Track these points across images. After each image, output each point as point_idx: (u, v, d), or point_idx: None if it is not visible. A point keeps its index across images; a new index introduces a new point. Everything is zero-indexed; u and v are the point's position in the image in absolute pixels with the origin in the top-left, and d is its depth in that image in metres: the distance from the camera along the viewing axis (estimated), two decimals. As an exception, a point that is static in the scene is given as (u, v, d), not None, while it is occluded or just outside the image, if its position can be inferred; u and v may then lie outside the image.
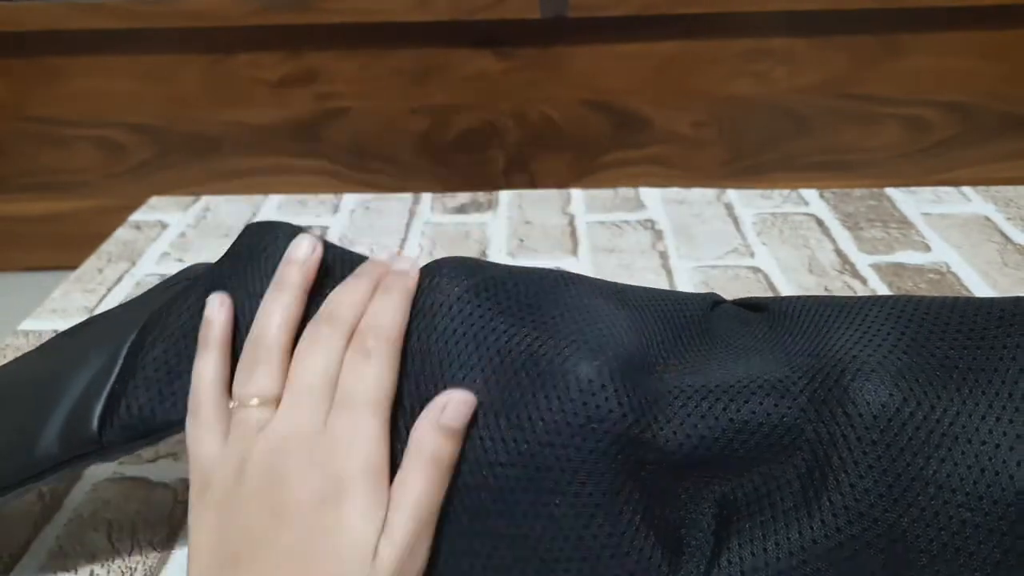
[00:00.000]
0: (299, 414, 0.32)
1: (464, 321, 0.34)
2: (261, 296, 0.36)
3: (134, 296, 0.45)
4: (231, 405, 0.33)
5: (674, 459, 0.31)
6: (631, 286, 0.39)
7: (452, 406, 0.31)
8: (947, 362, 0.31)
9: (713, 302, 0.40)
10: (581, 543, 0.31)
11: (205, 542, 0.31)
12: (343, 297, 0.34)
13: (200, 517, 0.31)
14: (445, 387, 0.33)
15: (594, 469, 0.31)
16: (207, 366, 0.34)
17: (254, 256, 0.38)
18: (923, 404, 0.30)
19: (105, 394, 0.36)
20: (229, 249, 0.39)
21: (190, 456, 0.33)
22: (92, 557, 0.41)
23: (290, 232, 0.38)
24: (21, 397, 0.37)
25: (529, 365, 0.32)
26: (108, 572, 0.40)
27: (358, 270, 0.36)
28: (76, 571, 0.40)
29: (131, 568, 0.40)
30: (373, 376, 0.32)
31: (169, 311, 0.38)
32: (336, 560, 0.29)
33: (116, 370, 0.36)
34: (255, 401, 0.32)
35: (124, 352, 0.37)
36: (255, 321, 0.34)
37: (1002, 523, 0.28)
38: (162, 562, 0.41)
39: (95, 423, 0.35)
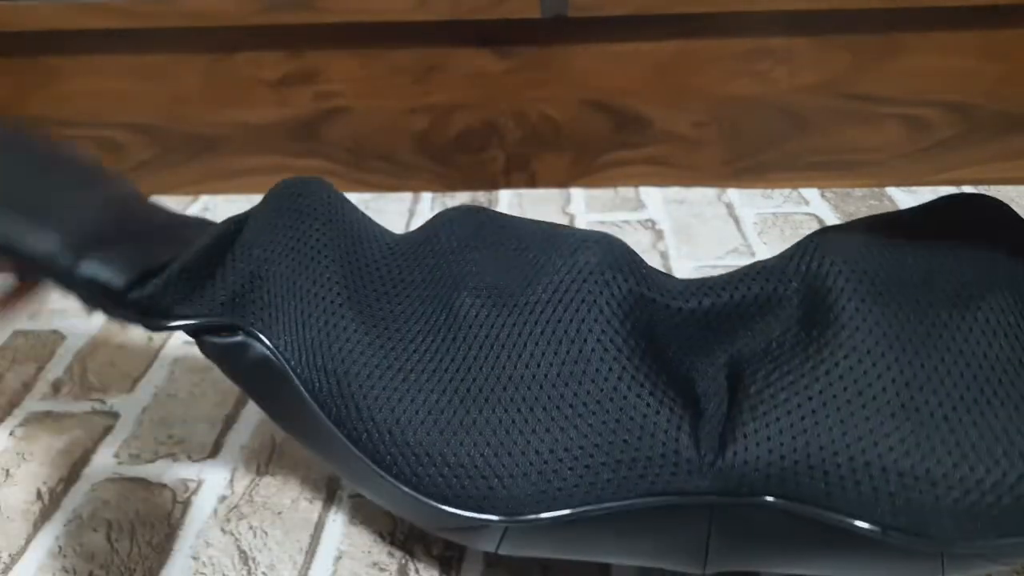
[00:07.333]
0: None
1: (466, 236, 0.39)
2: (287, 247, 0.39)
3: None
4: None
5: (681, 317, 0.34)
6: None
7: None
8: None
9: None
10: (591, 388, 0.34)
11: None
12: None
13: None
14: (457, 290, 0.36)
15: (611, 317, 0.33)
16: None
17: (289, 205, 0.41)
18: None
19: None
20: (262, 200, 0.43)
21: None
22: (91, 557, 0.41)
23: (325, 187, 0.43)
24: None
25: (537, 265, 0.35)
26: (108, 572, 0.40)
27: None
28: (76, 571, 0.40)
29: (130, 568, 0.40)
30: None
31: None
32: None
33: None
34: None
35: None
36: None
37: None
38: (162, 562, 0.41)
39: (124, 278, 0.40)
